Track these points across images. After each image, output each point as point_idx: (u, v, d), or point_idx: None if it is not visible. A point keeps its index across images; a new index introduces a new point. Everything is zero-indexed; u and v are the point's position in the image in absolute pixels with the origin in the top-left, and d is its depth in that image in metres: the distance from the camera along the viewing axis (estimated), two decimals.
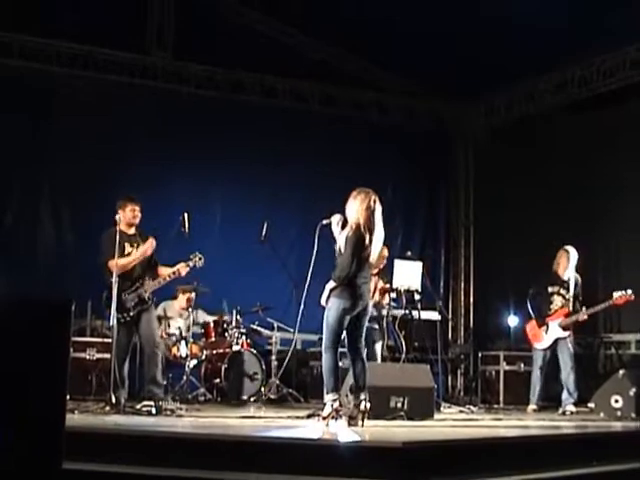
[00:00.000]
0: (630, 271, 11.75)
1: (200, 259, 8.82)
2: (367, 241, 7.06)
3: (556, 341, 9.90)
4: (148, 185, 11.65)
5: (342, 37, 12.56)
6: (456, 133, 14.84)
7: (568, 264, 10.06)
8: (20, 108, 11.34)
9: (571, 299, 9.94)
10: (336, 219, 7.25)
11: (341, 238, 7.14)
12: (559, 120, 13.21)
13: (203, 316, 10.82)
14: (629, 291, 9.58)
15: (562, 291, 10.02)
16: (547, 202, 12.66)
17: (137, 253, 8.49)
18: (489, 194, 14.15)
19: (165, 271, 8.70)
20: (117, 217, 8.44)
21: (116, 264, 8.06)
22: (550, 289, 10.09)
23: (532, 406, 10.02)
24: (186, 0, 12.43)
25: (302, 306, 7.75)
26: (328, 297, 7.05)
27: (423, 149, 14.30)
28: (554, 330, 9.91)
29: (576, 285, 10.03)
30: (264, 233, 9.99)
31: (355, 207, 7.14)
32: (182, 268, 8.68)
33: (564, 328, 9.87)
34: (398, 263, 9.79)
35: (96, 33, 11.63)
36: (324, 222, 7.35)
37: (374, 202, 7.13)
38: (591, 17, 10.56)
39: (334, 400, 6.93)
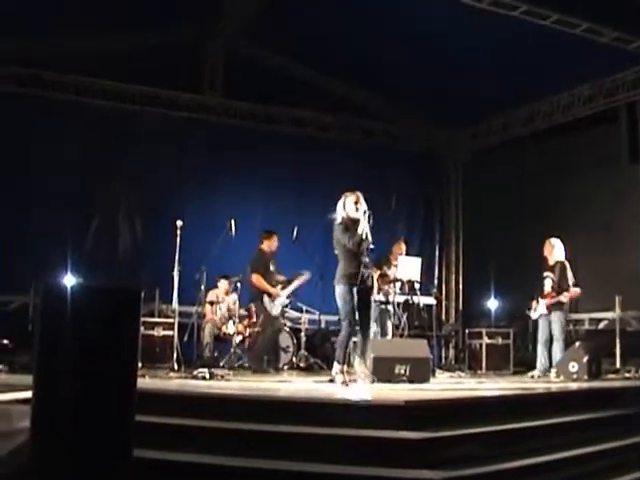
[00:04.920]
0: (583, 266, 11.76)
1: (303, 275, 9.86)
2: None
3: (541, 316, 9.72)
4: (202, 197, 11.74)
5: (360, 78, 12.57)
6: (448, 155, 14.77)
7: (551, 253, 9.80)
8: (102, 138, 11.41)
9: (555, 284, 9.73)
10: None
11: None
12: (528, 145, 13.25)
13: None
14: (578, 289, 9.49)
15: (551, 276, 9.79)
16: (520, 210, 12.66)
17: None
18: (474, 203, 14.13)
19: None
20: (264, 244, 9.66)
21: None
22: (544, 274, 9.85)
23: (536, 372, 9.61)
24: (231, 50, 12.51)
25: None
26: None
27: (422, 168, 14.29)
28: (541, 308, 9.71)
29: (561, 271, 9.65)
30: (295, 234, 9.96)
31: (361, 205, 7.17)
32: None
33: (548, 309, 9.68)
34: (402, 259, 9.75)
35: (162, 78, 11.70)
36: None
37: None
38: (551, 62, 10.51)
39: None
